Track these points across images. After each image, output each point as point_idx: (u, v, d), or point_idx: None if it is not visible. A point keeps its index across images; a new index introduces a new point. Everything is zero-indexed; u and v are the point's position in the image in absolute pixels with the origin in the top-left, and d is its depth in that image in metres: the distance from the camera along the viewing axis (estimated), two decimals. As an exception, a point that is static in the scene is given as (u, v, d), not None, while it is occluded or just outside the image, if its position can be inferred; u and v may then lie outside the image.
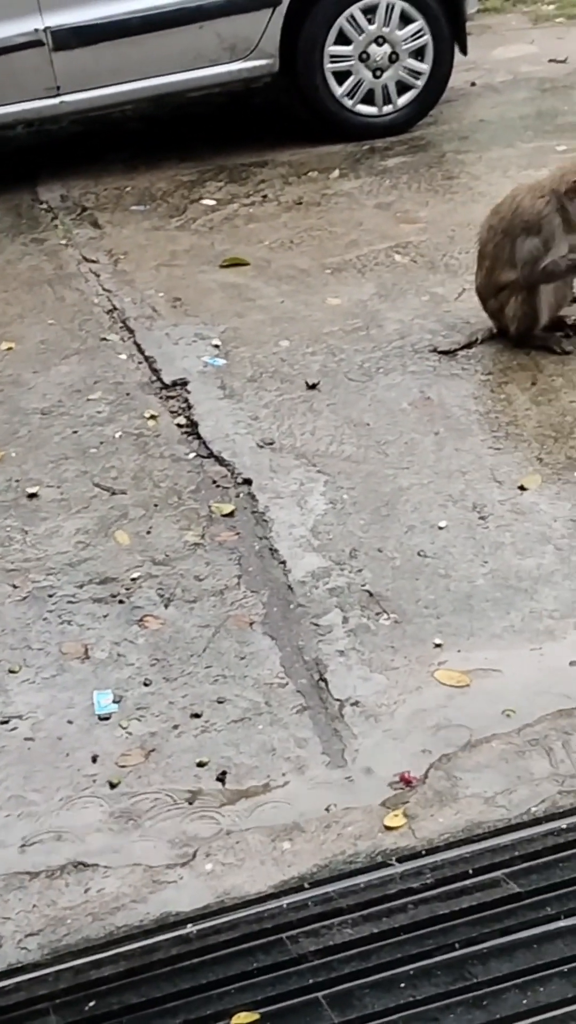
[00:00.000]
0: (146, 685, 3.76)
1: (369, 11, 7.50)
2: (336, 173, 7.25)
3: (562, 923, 2.95)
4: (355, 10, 7.48)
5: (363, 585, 4.09)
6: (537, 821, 3.24)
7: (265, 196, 7.02)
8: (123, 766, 3.50)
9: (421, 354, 5.34)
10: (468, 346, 5.36)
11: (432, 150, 7.49)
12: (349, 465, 4.69)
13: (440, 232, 6.40)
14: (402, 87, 7.67)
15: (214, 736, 3.58)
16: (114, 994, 2.89)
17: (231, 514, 4.48)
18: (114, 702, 3.70)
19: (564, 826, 3.22)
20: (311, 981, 2.86)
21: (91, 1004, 2.87)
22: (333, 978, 2.86)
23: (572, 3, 9.76)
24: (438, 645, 3.83)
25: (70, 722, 3.65)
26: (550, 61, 8.68)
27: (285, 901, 3.08)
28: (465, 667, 3.75)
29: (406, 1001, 2.79)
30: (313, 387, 5.17)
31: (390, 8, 7.49)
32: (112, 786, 3.43)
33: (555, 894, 3.03)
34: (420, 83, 7.67)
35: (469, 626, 3.90)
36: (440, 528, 4.32)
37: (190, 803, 3.37)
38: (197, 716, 3.64)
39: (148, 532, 4.41)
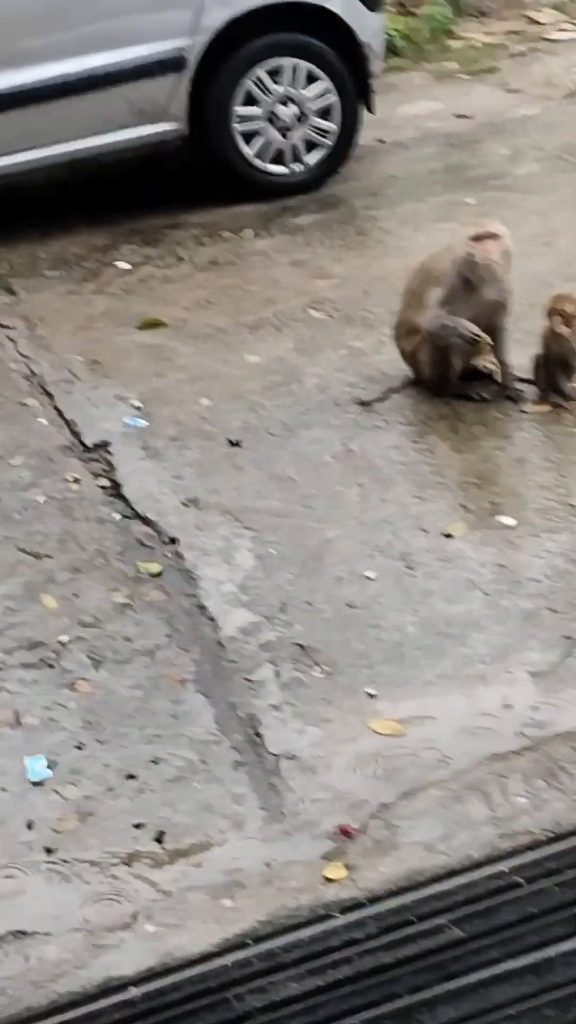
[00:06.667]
0: (79, 748, 3.73)
1: (275, 72, 7.57)
2: (249, 232, 7.30)
3: (506, 965, 2.96)
4: (261, 72, 7.55)
5: (294, 639, 4.09)
6: (478, 865, 3.25)
7: (179, 257, 7.05)
8: (59, 831, 3.46)
9: (342, 407, 5.37)
10: (387, 395, 5.38)
11: (343, 207, 7.56)
12: (275, 520, 4.70)
13: (355, 287, 6.45)
14: (311, 146, 7.75)
15: (150, 796, 3.55)
16: (59, 1062, 2.85)
17: (159, 574, 4.46)
18: (47, 767, 3.66)
19: (505, 869, 3.23)
20: (258, 1038, 2.84)
21: (36, 1074, 2.83)
22: (280, 1034, 2.85)
23: (473, 59, 9.91)
24: (372, 695, 3.84)
25: (3, 789, 3.61)
26: (456, 116, 8.80)
27: (229, 959, 3.06)
28: (399, 716, 3.75)
29: (355, 1053, 2.78)
30: (236, 444, 5.18)
31: (296, 69, 7.58)
32: (49, 852, 3.40)
33: (499, 937, 3.04)
34: (329, 142, 7.74)
35: (401, 675, 3.91)
36: (368, 578, 4.34)
37: (129, 865, 3.34)
38: (132, 777, 3.61)
39: (76, 595, 4.38)
